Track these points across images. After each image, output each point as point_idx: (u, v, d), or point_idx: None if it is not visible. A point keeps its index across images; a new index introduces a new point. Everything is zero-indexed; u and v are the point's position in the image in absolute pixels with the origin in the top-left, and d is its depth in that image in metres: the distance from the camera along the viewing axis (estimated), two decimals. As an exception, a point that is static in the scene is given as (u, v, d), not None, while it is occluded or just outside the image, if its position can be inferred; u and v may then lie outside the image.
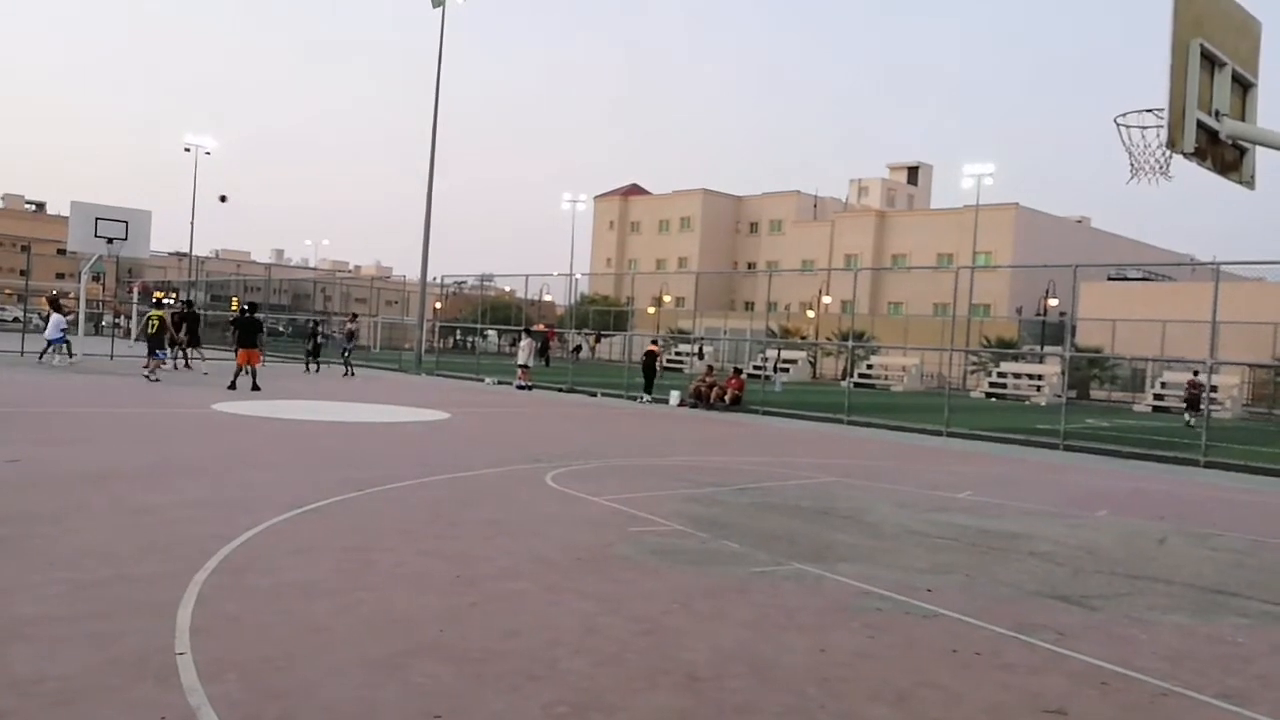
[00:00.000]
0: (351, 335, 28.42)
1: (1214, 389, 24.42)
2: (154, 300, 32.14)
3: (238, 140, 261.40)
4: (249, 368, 18.73)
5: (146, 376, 19.22)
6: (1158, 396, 35.59)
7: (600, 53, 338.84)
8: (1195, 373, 29.91)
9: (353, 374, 26.40)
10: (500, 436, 13.97)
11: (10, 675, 3.66)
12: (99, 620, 4.36)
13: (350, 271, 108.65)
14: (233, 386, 18.12)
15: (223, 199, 51.91)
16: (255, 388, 18.24)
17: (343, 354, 27.44)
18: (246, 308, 20.49)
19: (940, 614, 5.37)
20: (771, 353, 39.72)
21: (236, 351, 19.28)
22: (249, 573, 5.33)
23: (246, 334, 19.05)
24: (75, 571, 5.13)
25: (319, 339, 28.73)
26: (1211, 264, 17.95)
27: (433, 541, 6.51)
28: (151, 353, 19.85)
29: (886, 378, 43.01)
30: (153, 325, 20.47)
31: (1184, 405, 28.28)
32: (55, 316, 22.20)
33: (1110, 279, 51.62)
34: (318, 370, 27.23)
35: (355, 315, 30.96)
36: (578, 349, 43.46)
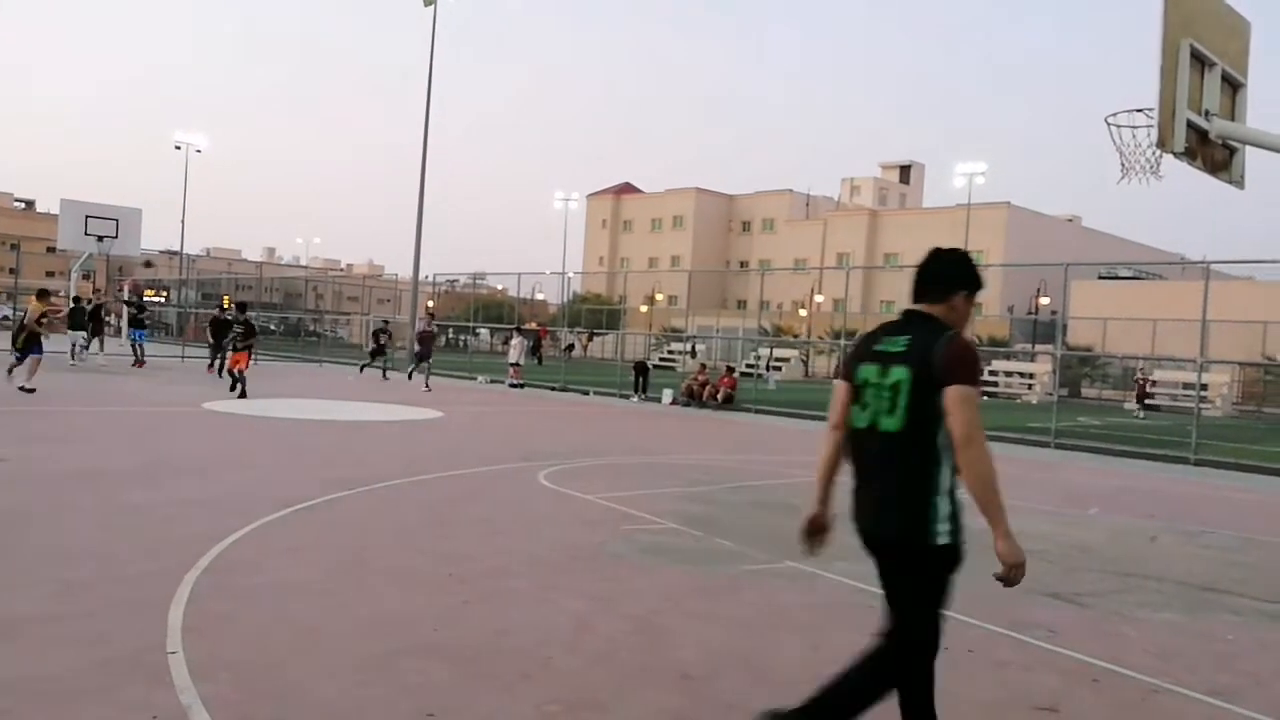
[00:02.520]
0: (427, 339, 23.31)
1: (1204, 387, 24.72)
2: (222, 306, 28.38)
3: (230, 137, 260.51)
4: (238, 370, 17.20)
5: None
6: (1148, 395, 35.76)
7: (593, 51, 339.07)
8: (1143, 370, 33.38)
9: (428, 386, 22.22)
10: (493, 435, 13.95)
11: (1, 675, 3.64)
12: (90, 619, 4.34)
13: (342, 270, 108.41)
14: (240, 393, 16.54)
15: None
16: (232, 384, 16.95)
17: (418, 361, 23.17)
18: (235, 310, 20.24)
19: (932, 612, 5.37)
20: (764, 351, 39.77)
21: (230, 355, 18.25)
22: (241, 571, 5.32)
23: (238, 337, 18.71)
24: (66, 571, 5.10)
25: (383, 341, 25.20)
26: (1202, 263, 18.03)
27: (425, 540, 6.50)
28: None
29: (879, 376, 42.96)
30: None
31: (1135, 400, 30.90)
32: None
33: (1101, 278, 51.77)
34: (380, 373, 24.18)
35: (433, 316, 26.43)
36: (570, 347, 43.44)
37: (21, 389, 14.30)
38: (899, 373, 2.95)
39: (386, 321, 28.01)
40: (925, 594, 2.99)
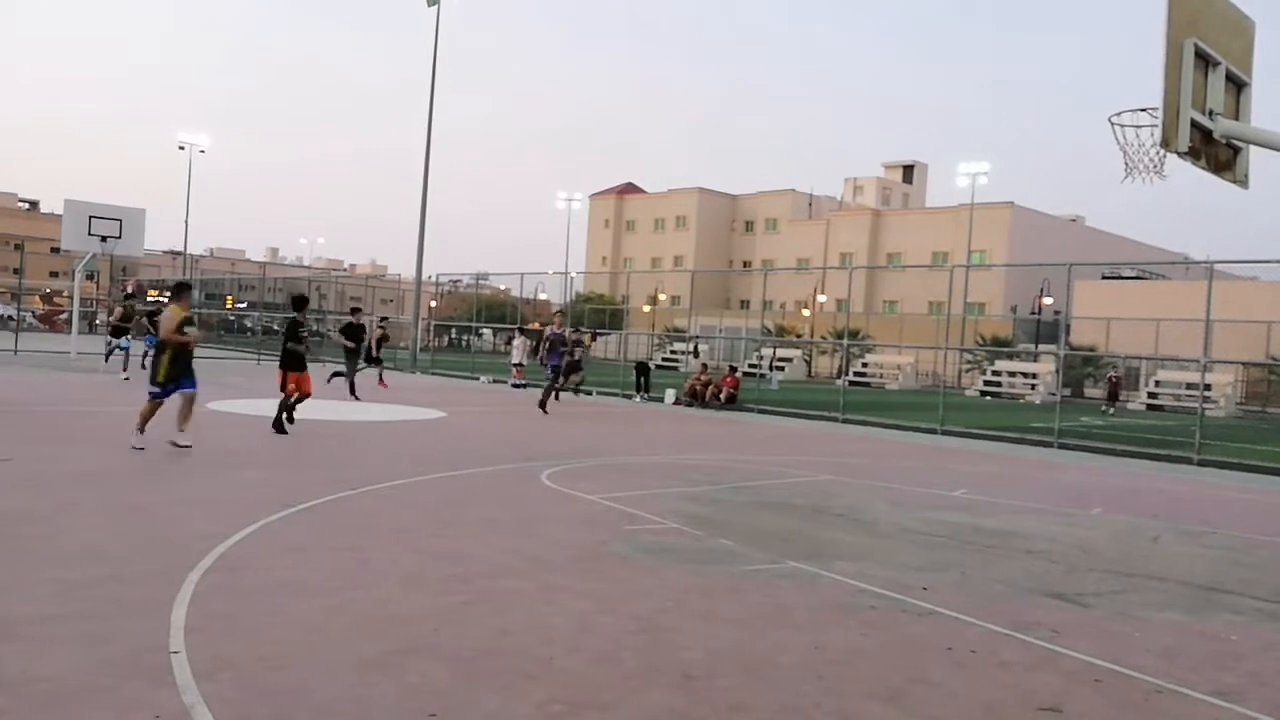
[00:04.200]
0: (572, 345, 19.31)
1: (1208, 387, 24.76)
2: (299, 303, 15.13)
3: (234, 137, 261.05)
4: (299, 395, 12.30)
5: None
6: (1152, 395, 35.79)
7: (596, 51, 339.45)
8: (1115, 368, 34.95)
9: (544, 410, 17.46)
10: (495, 435, 13.96)
11: (2, 675, 3.65)
12: (92, 619, 4.35)
13: (345, 270, 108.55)
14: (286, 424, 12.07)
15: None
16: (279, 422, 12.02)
17: (558, 375, 18.52)
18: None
19: (935, 612, 5.38)
20: (767, 351, 39.79)
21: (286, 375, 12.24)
22: (243, 571, 5.32)
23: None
24: (67, 570, 5.11)
25: (578, 355, 19.88)
26: (1205, 263, 17.99)
27: (427, 540, 6.50)
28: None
29: (881, 376, 43.09)
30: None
31: (1105, 398, 31.92)
32: None
33: (1104, 278, 51.71)
34: (578, 391, 19.90)
35: (561, 312, 21.52)
36: (573, 347, 43.34)
37: (174, 445, 9.71)
38: None
39: (561, 311, 21.59)
40: None
